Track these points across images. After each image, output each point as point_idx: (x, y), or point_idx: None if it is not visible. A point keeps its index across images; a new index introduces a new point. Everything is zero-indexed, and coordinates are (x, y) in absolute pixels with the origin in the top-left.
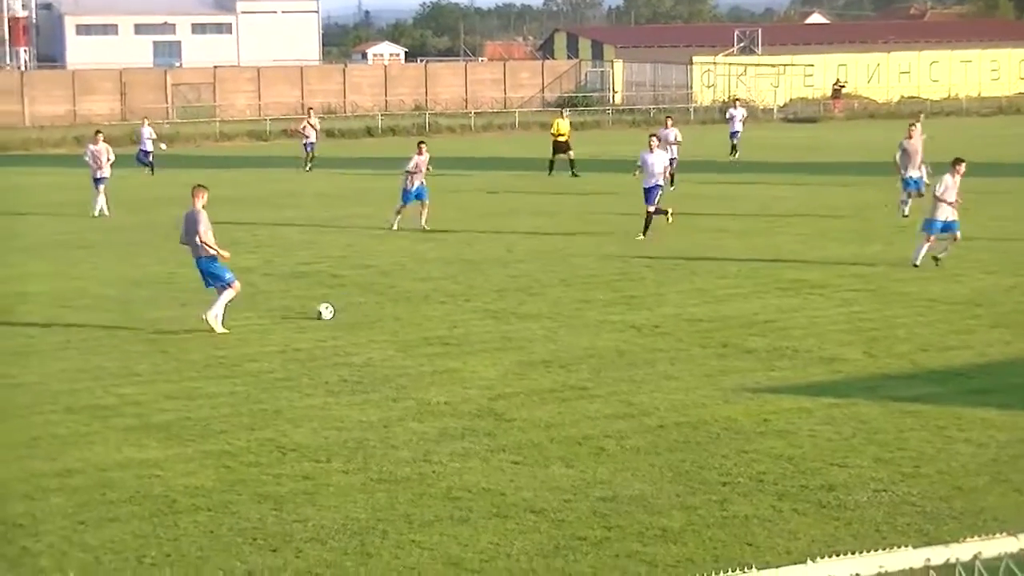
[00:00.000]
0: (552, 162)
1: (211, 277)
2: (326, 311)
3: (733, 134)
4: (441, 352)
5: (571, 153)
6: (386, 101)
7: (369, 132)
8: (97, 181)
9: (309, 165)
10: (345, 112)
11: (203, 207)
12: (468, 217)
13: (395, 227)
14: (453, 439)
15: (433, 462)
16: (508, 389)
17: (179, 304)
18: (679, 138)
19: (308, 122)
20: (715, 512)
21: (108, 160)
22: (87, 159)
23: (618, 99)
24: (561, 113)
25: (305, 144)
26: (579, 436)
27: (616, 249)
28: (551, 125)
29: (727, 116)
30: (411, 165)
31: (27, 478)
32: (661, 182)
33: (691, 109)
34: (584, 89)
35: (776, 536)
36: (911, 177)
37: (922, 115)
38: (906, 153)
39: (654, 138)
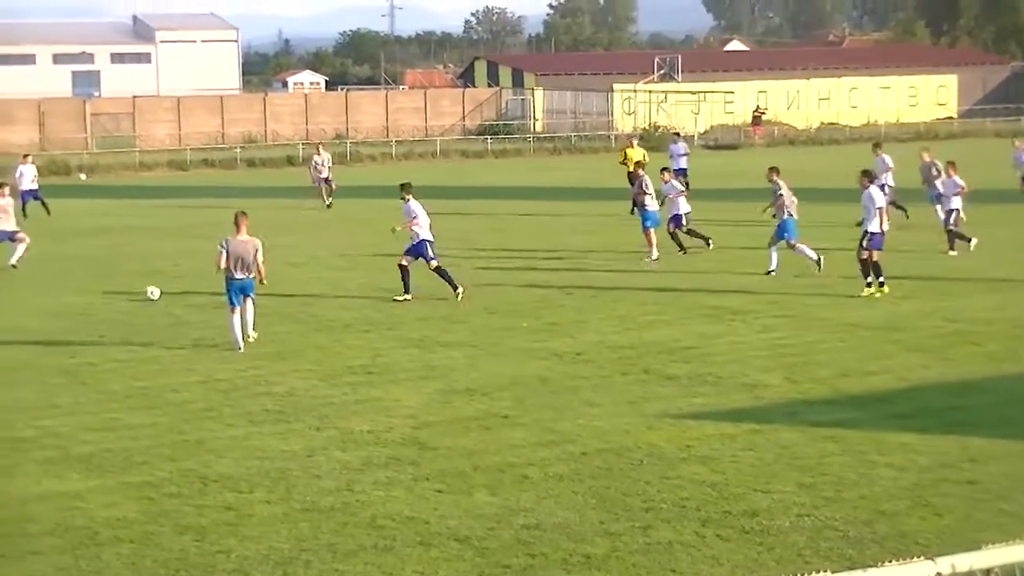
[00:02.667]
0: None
1: (246, 292)
2: (152, 292)
3: (680, 171)
4: (364, 381)
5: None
6: (307, 130)
7: (290, 161)
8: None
9: (328, 200)
10: (266, 141)
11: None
12: (389, 245)
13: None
14: (377, 468)
15: (356, 491)
16: (431, 417)
17: (98, 335)
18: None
19: (316, 157)
20: (638, 539)
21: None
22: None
23: (539, 127)
24: (631, 142)
25: (316, 180)
26: (502, 464)
27: (537, 278)
28: (621, 155)
29: (669, 153)
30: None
31: None
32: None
33: (612, 136)
34: (505, 117)
35: (699, 562)
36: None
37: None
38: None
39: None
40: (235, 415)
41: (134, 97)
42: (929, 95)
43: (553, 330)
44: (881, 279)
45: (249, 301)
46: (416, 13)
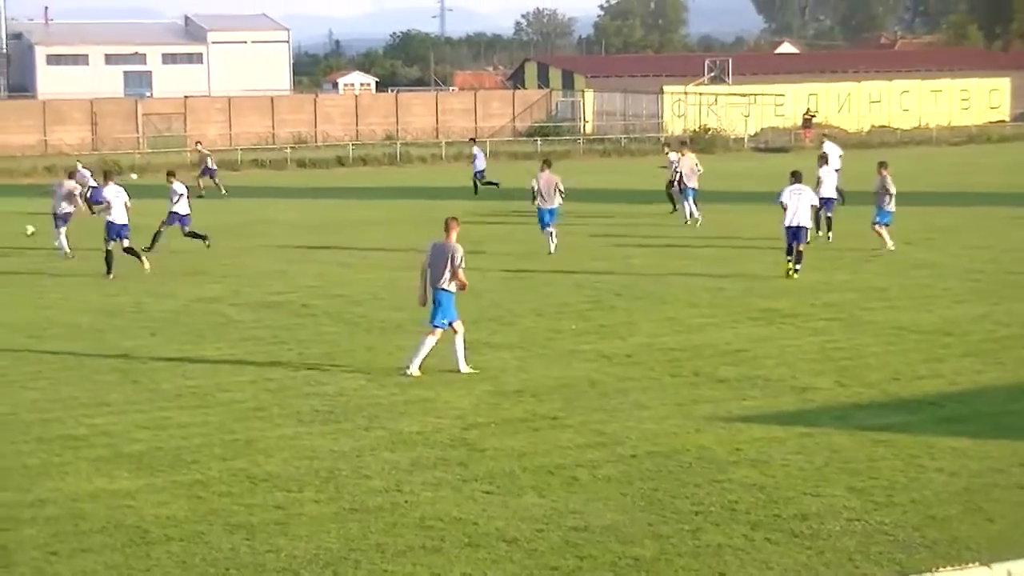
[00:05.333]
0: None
1: (441, 312)
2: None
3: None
4: (413, 382)
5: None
6: (357, 131)
7: (340, 162)
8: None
9: (202, 191)
10: (316, 142)
11: (456, 240)
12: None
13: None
14: (425, 468)
15: (405, 492)
16: (480, 419)
17: (149, 333)
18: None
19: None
20: (687, 541)
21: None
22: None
23: (589, 128)
24: (684, 145)
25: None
26: (551, 466)
27: (587, 278)
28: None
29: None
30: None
31: None
32: None
33: (662, 139)
34: (555, 119)
35: (749, 566)
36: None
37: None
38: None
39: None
40: (284, 415)
41: (185, 97)
42: (981, 98)
43: (602, 332)
44: (798, 266)
45: (458, 334)
46: (466, 15)
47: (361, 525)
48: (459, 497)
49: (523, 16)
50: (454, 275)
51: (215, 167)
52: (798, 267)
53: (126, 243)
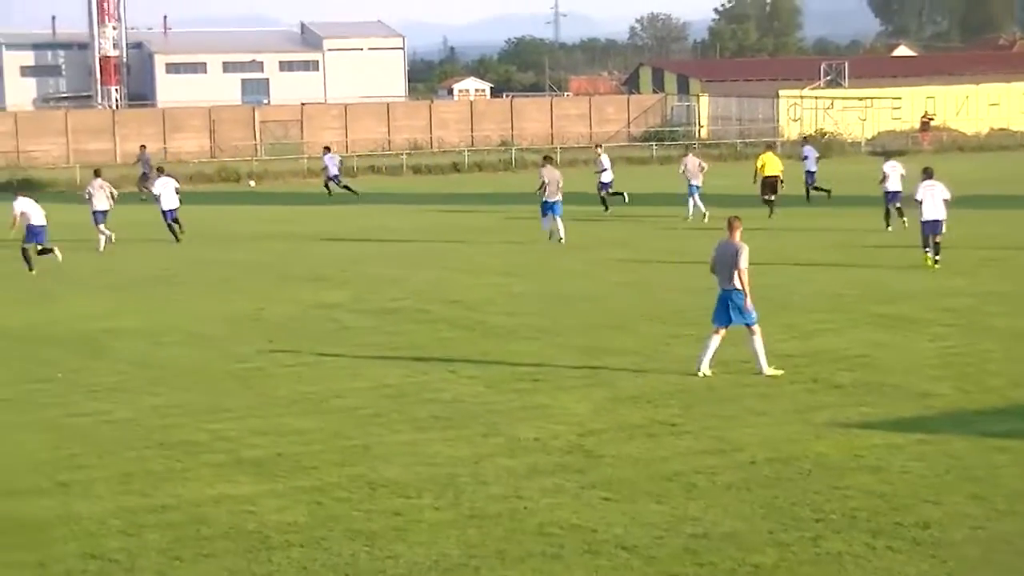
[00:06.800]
0: (768, 202)
1: (736, 312)
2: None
3: (808, 174)
4: (530, 388)
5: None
6: (472, 136)
7: (456, 167)
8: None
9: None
10: (431, 148)
11: (741, 239)
12: (555, 251)
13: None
14: (543, 475)
15: (524, 498)
16: (598, 425)
17: (267, 340)
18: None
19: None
20: (808, 549)
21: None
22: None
23: (704, 133)
24: (770, 148)
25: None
26: (670, 472)
27: (702, 283)
28: (757, 160)
29: (802, 156)
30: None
31: (122, 514)
32: None
33: (778, 143)
34: (670, 123)
35: (870, 574)
36: None
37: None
38: None
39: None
40: (402, 421)
41: (302, 104)
42: None
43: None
44: (938, 256)
45: (755, 335)
46: (580, 20)
47: (480, 531)
48: (577, 504)
49: (637, 21)
50: (739, 275)
51: (149, 172)
52: (938, 258)
53: (41, 246)
